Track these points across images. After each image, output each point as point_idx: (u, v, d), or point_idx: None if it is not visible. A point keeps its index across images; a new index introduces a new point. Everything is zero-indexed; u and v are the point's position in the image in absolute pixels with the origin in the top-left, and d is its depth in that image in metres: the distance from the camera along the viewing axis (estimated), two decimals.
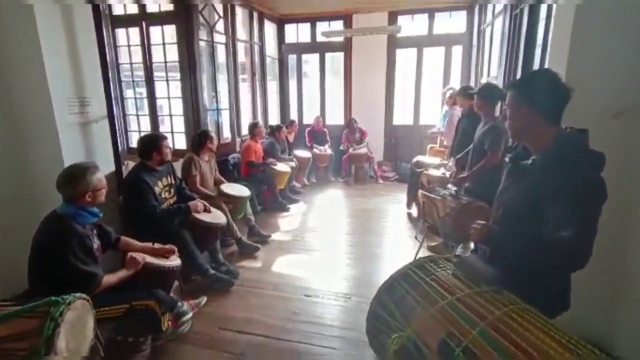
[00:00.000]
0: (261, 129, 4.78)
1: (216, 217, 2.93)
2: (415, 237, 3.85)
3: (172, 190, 2.93)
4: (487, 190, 2.41)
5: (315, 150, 6.39)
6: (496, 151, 2.66)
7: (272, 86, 7.16)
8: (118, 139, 3.09)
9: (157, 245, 2.19)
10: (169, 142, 2.88)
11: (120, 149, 3.14)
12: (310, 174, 6.42)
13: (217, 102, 4.77)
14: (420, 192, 2.91)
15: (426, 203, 2.83)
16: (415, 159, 4.57)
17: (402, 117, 6.79)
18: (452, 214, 2.57)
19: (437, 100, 6.49)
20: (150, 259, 2.04)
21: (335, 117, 7.22)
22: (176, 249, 2.24)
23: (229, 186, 3.67)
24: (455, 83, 6.03)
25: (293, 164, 5.49)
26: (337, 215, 4.67)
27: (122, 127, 4.53)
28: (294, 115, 7.39)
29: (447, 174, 3.52)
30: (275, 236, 3.93)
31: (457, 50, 6.15)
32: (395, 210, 4.78)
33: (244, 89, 6.11)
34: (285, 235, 4.03)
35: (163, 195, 2.81)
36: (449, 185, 2.82)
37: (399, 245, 3.69)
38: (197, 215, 2.79)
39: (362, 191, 5.82)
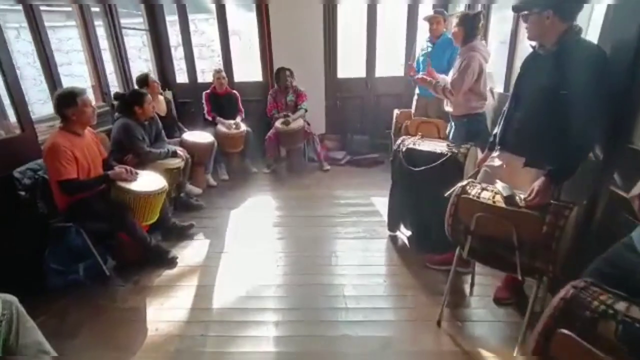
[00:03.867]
0: (84, 107, 2.16)
1: None
2: (450, 321, 1.87)
3: None
4: None
5: (220, 127, 3.92)
6: None
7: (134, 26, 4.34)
8: None
9: None
10: None
11: None
12: (217, 165, 4.00)
13: None
14: (565, 334, 0.86)
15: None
16: (402, 144, 2.48)
17: (350, 67, 4.59)
18: None
19: (400, 40, 4.38)
20: None
21: (249, 70, 4.72)
22: None
23: None
24: (427, 9, 3.93)
25: (178, 160, 3.02)
26: (267, 268, 2.44)
27: None
28: (181, 74, 4.72)
29: (521, 197, 1.49)
30: None
31: None
32: (371, 236, 2.73)
33: (69, 31, 3.30)
34: None
35: None
36: None
37: None
38: None
39: (303, 191, 3.64)
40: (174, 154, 3.00)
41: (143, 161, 2.83)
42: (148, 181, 2.39)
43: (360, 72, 4.49)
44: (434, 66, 3.22)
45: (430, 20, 3.17)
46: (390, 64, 4.68)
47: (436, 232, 2.37)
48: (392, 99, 4.45)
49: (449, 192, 2.02)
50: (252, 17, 4.42)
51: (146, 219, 2.38)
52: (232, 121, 3.96)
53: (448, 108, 2.76)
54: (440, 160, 2.23)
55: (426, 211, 2.39)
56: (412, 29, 4.26)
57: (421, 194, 2.38)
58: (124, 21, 4.64)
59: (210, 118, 4.00)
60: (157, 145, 3.02)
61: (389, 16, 4.59)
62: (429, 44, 3.31)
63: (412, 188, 2.41)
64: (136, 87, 3.40)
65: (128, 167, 2.35)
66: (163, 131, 3.16)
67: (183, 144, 3.43)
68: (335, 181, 3.87)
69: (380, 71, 4.47)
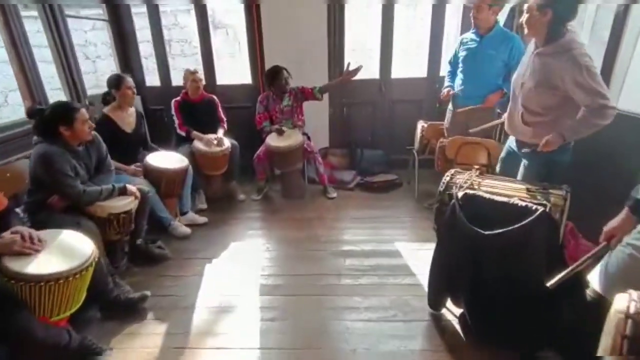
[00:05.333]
0: None
1: None
2: None
3: None
4: None
5: (197, 144, 3.06)
6: None
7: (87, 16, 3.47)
8: None
9: None
10: None
11: None
12: (194, 192, 3.13)
13: None
14: None
15: None
16: (452, 183, 1.64)
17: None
18: None
19: (424, 30, 3.54)
20: None
21: (236, 71, 3.87)
22: None
23: None
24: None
25: (127, 200, 2.14)
26: None
27: None
28: (151, 75, 3.86)
29: None
30: None
31: None
32: (404, 315, 1.88)
33: (32, 23, 2.51)
34: None
35: None
36: None
37: None
38: None
39: (304, 230, 2.78)
40: (122, 191, 2.13)
41: (76, 204, 1.98)
42: (61, 252, 1.51)
43: (373, 73, 3.62)
44: (481, 68, 2.41)
45: (479, 6, 2.31)
46: (410, 62, 3.83)
47: (513, 324, 1.55)
48: (411, 106, 3.62)
49: (553, 282, 1.21)
50: (241, 8, 3.56)
51: (60, 312, 1.51)
52: (212, 136, 3.10)
53: (523, 136, 1.86)
54: (528, 220, 1.38)
55: (494, 292, 1.54)
56: (439, 19, 3.41)
57: (488, 266, 1.54)
58: (82, 12, 3.79)
59: (183, 133, 3.13)
60: (99, 179, 2.15)
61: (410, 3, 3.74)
62: (475, 38, 2.46)
63: (474, 256, 1.56)
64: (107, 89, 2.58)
65: (26, 232, 1.47)
66: (109, 157, 2.27)
67: (145, 170, 2.59)
68: (343, 214, 3.02)
69: (397, 72, 3.61)
